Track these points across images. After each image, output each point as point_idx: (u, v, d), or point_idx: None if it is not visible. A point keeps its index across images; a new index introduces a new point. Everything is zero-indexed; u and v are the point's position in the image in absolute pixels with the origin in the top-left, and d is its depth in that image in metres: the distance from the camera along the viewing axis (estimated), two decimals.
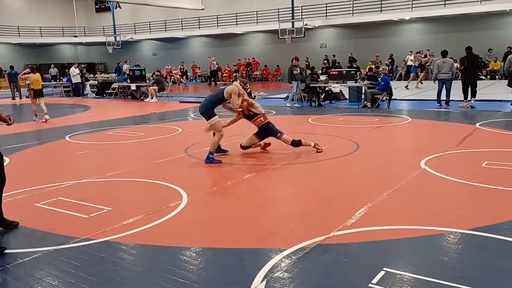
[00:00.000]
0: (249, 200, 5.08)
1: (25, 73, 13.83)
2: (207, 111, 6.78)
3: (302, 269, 3.27)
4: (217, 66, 28.95)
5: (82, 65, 28.71)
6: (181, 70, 29.19)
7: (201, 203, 4.91)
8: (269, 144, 7.53)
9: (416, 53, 23.01)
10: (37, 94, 12.87)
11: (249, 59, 31.08)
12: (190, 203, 4.84)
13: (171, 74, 27.59)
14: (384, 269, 3.20)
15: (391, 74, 24.66)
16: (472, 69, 12.58)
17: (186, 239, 3.92)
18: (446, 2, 23.73)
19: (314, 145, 7.26)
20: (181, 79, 28.85)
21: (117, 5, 32.90)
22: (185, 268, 3.32)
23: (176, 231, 4.14)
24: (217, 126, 6.78)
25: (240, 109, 7.05)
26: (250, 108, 7.19)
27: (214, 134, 6.92)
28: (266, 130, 7.24)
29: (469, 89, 12.47)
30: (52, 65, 30.64)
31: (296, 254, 3.49)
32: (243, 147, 7.34)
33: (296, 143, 7.17)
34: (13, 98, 21.40)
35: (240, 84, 7.05)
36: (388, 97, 13.33)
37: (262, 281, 3.08)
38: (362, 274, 3.16)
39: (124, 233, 4.03)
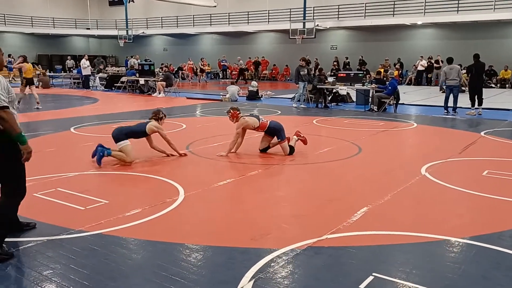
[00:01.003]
0: (246, 199, 5.08)
1: (19, 63, 14.59)
2: (119, 135, 6.50)
3: (291, 270, 3.27)
4: (245, 65, 28.92)
5: (102, 58, 29.00)
6: (201, 66, 29.16)
7: (197, 200, 4.92)
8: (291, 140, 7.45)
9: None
10: (29, 82, 13.80)
11: (258, 58, 31.05)
12: (186, 199, 4.86)
13: (193, 70, 27.77)
14: (374, 274, 3.19)
15: (400, 79, 24.52)
16: (479, 77, 12.48)
17: (179, 235, 3.94)
18: (459, 8, 23.53)
19: (298, 139, 7.36)
20: (202, 75, 28.67)
21: None
22: (175, 264, 3.33)
23: (169, 226, 4.16)
24: (128, 150, 6.44)
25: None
26: (236, 129, 7.13)
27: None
28: (274, 130, 7.21)
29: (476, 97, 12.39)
30: (69, 57, 30.86)
31: (287, 255, 3.49)
32: (261, 151, 7.30)
33: (291, 152, 7.14)
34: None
35: (154, 115, 6.88)
36: (395, 102, 13.26)
37: (249, 280, 3.09)
38: (351, 278, 3.15)
39: (118, 226, 4.05)
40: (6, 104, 3.30)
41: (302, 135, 7.47)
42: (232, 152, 7.18)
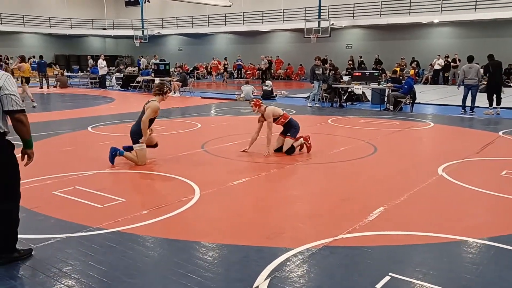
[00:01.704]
0: (261, 198, 5.10)
1: (17, 63, 15.24)
2: (134, 135, 6.41)
3: (307, 269, 3.28)
4: (267, 64, 28.93)
5: (123, 58, 29.32)
6: (225, 66, 29.17)
7: (213, 198, 4.95)
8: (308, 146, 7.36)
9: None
10: (27, 81, 14.75)
11: (271, 57, 31.03)
12: (202, 198, 4.89)
13: (219, 69, 27.87)
14: (390, 274, 3.17)
15: (417, 78, 24.27)
16: (497, 76, 12.29)
17: (194, 233, 3.97)
18: (477, 6, 23.16)
19: (303, 142, 7.27)
20: (226, 75, 28.56)
21: (146, 0, 33.34)
22: (191, 262, 3.36)
23: (185, 225, 4.20)
24: (141, 154, 6.36)
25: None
26: (268, 119, 7.12)
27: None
28: (291, 126, 7.21)
29: (495, 96, 12.21)
30: (88, 56, 31.31)
31: (302, 255, 3.50)
32: (275, 151, 7.28)
33: (289, 152, 7.10)
34: (41, 87, 21.93)
35: (157, 91, 6.53)
36: (411, 101, 13.14)
37: (265, 279, 3.10)
38: (366, 278, 3.14)
39: (135, 224, 4.10)
40: (24, 107, 3.29)
41: (309, 142, 7.30)
42: (246, 150, 7.21)
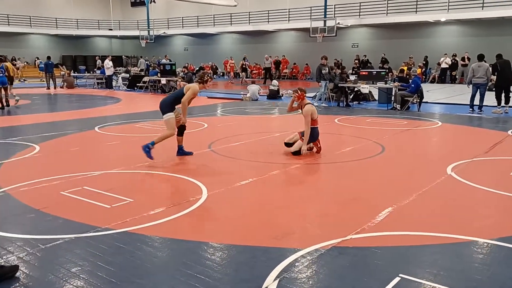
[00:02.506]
0: (269, 198, 5.08)
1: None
2: (163, 106, 6.61)
3: (316, 270, 3.26)
4: (270, 64, 28.85)
5: (129, 58, 29.47)
6: (243, 66, 29.09)
7: (220, 198, 4.94)
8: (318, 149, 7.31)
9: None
10: (12, 81, 14.72)
11: (278, 57, 30.99)
12: (209, 198, 4.89)
13: (235, 69, 27.83)
14: (400, 275, 3.14)
15: (424, 77, 24.14)
16: (506, 75, 12.18)
17: (202, 233, 3.97)
18: (484, 4, 22.98)
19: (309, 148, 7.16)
20: (244, 75, 28.32)
21: (152, 0, 33.44)
22: (200, 263, 3.35)
23: (193, 225, 4.19)
24: (171, 123, 6.58)
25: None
26: (306, 118, 7.06)
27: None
28: (315, 132, 7.13)
29: (503, 95, 12.11)
30: (97, 57, 31.48)
31: (311, 255, 3.48)
32: (286, 144, 7.26)
33: (296, 153, 7.04)
34: (48, 88, 22.05)
35: (198, 80, 6.70)
36: (418, 100, 13.06)
37: (274, 280, 3.08)
38: (376, 279, 3.12)
39: (143, 224, 4.10)
40: None
41: (319, 146, 7.22)
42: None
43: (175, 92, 6.80)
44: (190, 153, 7.02)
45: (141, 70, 25.85)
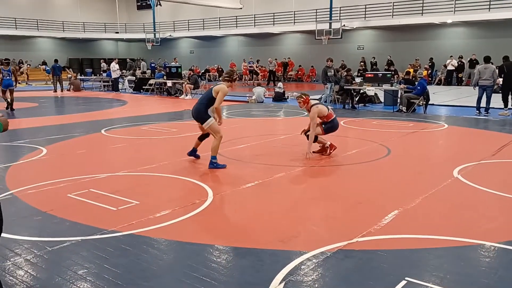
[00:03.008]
0: (274, 201, 5.08)
1: None
2: (201, 114, 6.39)
3: (321, 273, 3.25)
4: (275, 66, 28.78)
5: (135, 61, 29.67)
6: (255, 69, 28.96)
7: (226, 201, 4.95)
8: (333, 148, 7.29)
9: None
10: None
11: (285, 59, 31.00)
12: (215, 201, 4.89)
13: (253, 71, 27.82)
14: (406, 278, 3.13)
15: (430, 79, 24.05)
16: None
17: (208, 236, 3.97)
18: (491, 6, 22.87)
19: (327, 146, 7.17)
20: (258, 78, 28.13)
21: (158, 3, 33.59)
22: (205, 266, 3.36)
23: (199, 228, 4.20)
24: (214, 128, 6.42)
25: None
26: (312, 120, 7.02)
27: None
28: (333, 125, 7.18)
29: (510, 97, 12.03)
30: (102, 60, 31.67)
31: (317, 258, 3.47)
32: (304, 131, 7.30)
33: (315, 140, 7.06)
34: (55, 91, 22.20)
35: (226, 77, 6.58)
36: (424, 102, 13.02)
37: (280, 283, 3.08)
38: (382, 282, 3.11)
39: (149, 227, 4.11)
40: None
41: (331, 151, 7.22)
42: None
43: (203, 96, 6.54)
44: (198, 156, 7.00)
45: (143, 72, 25.95)
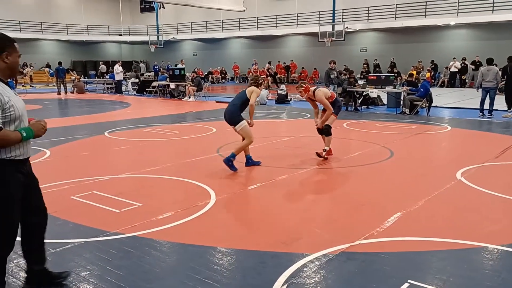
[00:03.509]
0: (277, 203, 5.08)
1: None
2: (234, 117, 6.45)
3: (324, 276, 3.25)
4: (273, 69, 28.79)
5: (138, 63, 29.78)
6: (268, 70, 28.72)
7: (229, 203, 4.96)
8: (329, 153, 7.23)
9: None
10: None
11: (285, 63, 31.05)
12: (218, 203, 4.90)
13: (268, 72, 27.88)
14: (409, 281, 3.13)
15: (433, 81, 24.00)
16: None
17: (210, 238, 3.97)
18: (494, 8, 22.82)
19: (325, 150, 7.11)
20: (270, 80, 27.88)
21: (161, 6, 33.70)
22: (208, 268, 3.36)
23: (202, 230, 4.20)
24: (246, 131, 6.46)
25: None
26: (323, 103, 7.07)
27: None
28: (336, 103, 7.18)
29: None
30: (101, 62, 31.77)
31: (319, 260, 3.47)
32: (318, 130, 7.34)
33: (326, 129, 7.10)
34: (59, 93, 22.27)
35: (252, 83, 6.65)
36: (427, 104, 12.99)
37: (282, 285, 3.08)
38: (385, 284, 3.10)
39: (152, 229, 4.12)
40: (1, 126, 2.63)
41: (327, 156, 7.16)
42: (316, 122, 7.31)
43: (236, 99, 6.61)
44: (258, 163, 6.74)
45: (142, 74, 26.01)
